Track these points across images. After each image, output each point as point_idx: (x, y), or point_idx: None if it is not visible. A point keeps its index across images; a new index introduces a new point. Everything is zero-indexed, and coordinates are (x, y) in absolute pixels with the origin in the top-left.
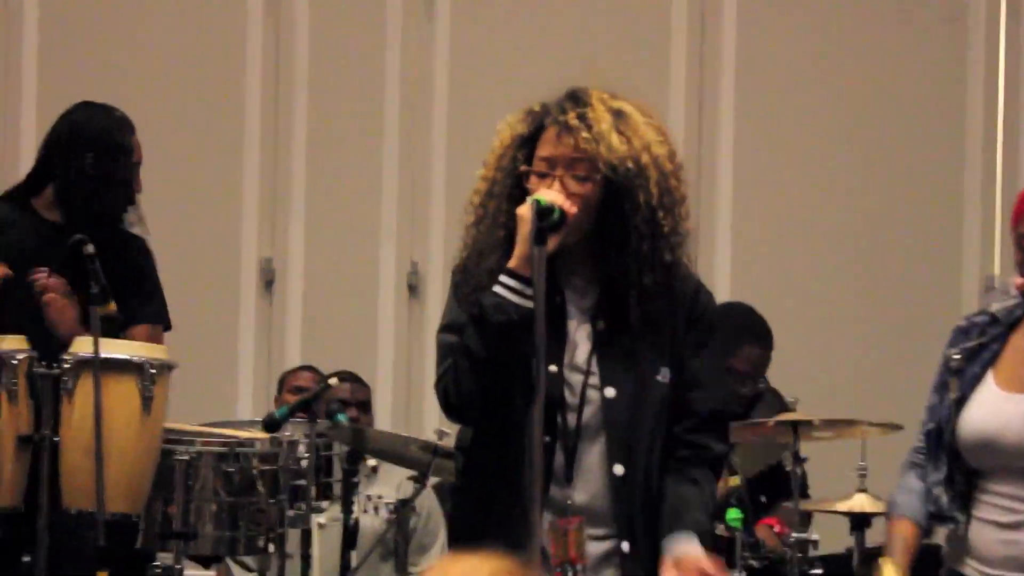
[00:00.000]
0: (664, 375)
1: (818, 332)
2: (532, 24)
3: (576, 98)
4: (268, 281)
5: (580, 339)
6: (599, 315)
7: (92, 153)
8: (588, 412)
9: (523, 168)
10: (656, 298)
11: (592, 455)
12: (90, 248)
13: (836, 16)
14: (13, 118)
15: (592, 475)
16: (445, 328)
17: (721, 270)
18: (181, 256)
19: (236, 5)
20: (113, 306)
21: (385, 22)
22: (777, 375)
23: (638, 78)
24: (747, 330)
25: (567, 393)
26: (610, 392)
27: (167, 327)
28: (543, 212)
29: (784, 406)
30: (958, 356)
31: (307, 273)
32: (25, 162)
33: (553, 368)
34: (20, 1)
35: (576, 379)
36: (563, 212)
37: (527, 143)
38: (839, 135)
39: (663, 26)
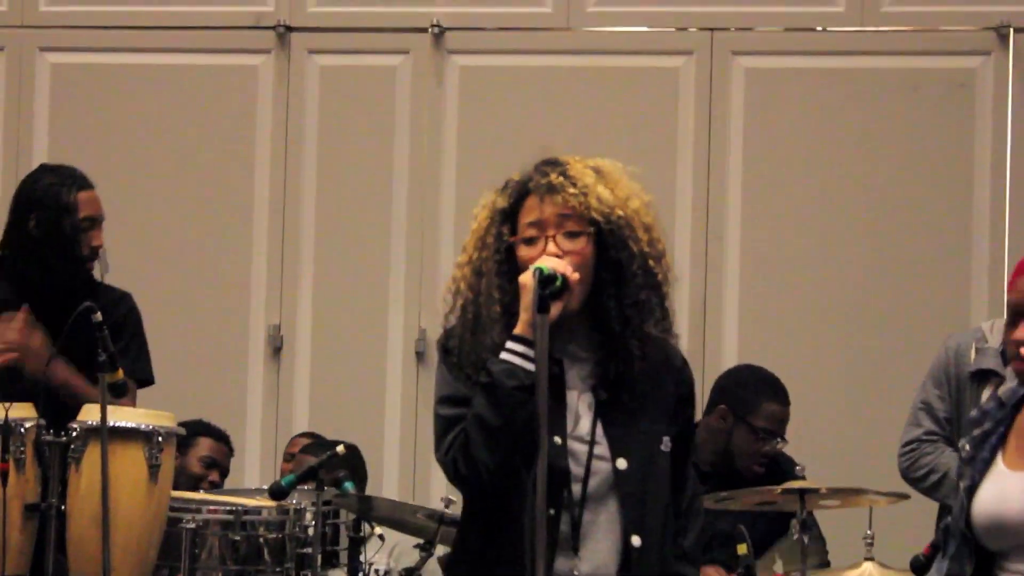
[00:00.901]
0: (666, 444)
1: (825, 400)
2: (540, 94)
3: (552, 162)
4: (276, 348)
5: (582, 409)
6: (600, 385)
7: (34, 215)
8: (594, 483)
9: (512, 239)
10: (653, 363)
11: (598, 526)
12: (98, 316)
13: (843, 82)
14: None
15: (599, 545)
16: (443, 401)
17: (728, 337)
18: (190, 322)
19: (247, 76)
20: (121, 373)
21: (394, 92)
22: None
23: (645, 146)
24: (765, 388)
25: (571, 463)
26: (622, 464)
27: (149, 382)
28: (545, 280)
29: (792, 473)
30: (967, 446)
31: (315, 340)
32: None
33: (557, 440)
34: (32, 72)
35: (580, 449)
36: (565, 279)
37: (508, 217)
38: (846, 202)
39: (671, 98)
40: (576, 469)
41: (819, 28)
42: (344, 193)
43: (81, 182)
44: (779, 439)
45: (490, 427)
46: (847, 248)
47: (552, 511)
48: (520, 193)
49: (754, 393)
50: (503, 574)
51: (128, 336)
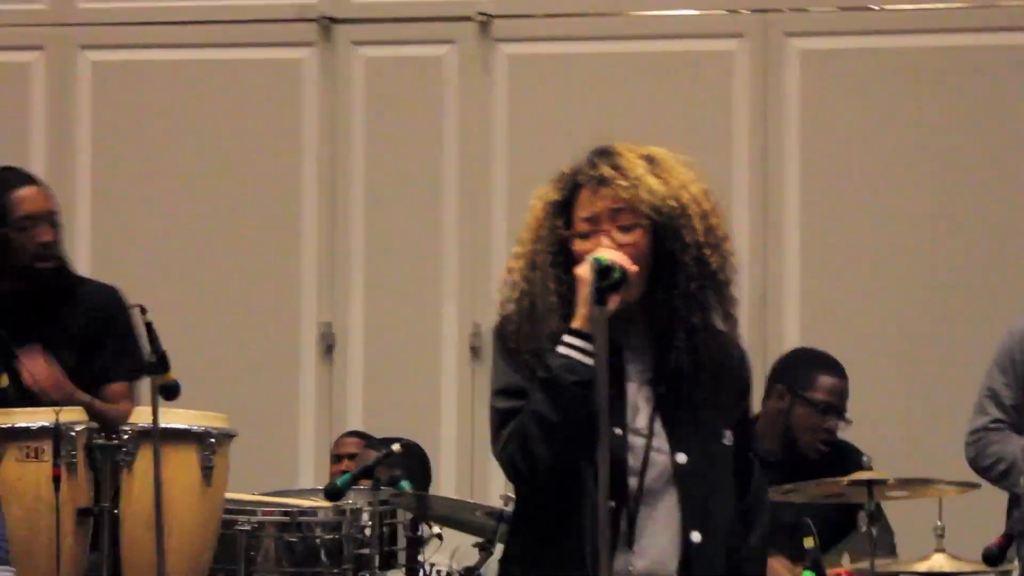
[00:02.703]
0: (728, 438)
1: (891, 389)
2: (590, 82)
3: (604, 152)
4: (328, 346)
5: (640, 402)
6: (660, 378)
7: None
8: (651, 476)
9: (566, 233)
10: (712, 355)
11: (655, 521)
12: (148, 316)
13: (901, 62)
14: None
15: (656, 541)
16: (499, 393)
17: (790, 326)
18: (240, 322)
19: (291, 69)
20: (172, 375)
21: (441, 83)
22: (851, 432)
23: (699, 133)
24: (818, 362)
25: (629, 456)
26: (681, 458)
27: (142, 371)
28: (603, 271)
29: (859, 464)
30: None
31: (367, 337)
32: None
33: (618, 431)
34: (73, 70)
35: (638, 442)
36: (624, 271)
37: (563, 210)
38: (907, 186)
39: (725, 83)
40: (633, 462)
41: (875, 7)
42: (393, 187)
43: (16, 180)
44: (841, 417)
45: (548, 422)
46: (909, 233)
47: (613, 504)
48: (572, 185)
49: (808, 368)
50: (563, 572)
51: (119, 334)
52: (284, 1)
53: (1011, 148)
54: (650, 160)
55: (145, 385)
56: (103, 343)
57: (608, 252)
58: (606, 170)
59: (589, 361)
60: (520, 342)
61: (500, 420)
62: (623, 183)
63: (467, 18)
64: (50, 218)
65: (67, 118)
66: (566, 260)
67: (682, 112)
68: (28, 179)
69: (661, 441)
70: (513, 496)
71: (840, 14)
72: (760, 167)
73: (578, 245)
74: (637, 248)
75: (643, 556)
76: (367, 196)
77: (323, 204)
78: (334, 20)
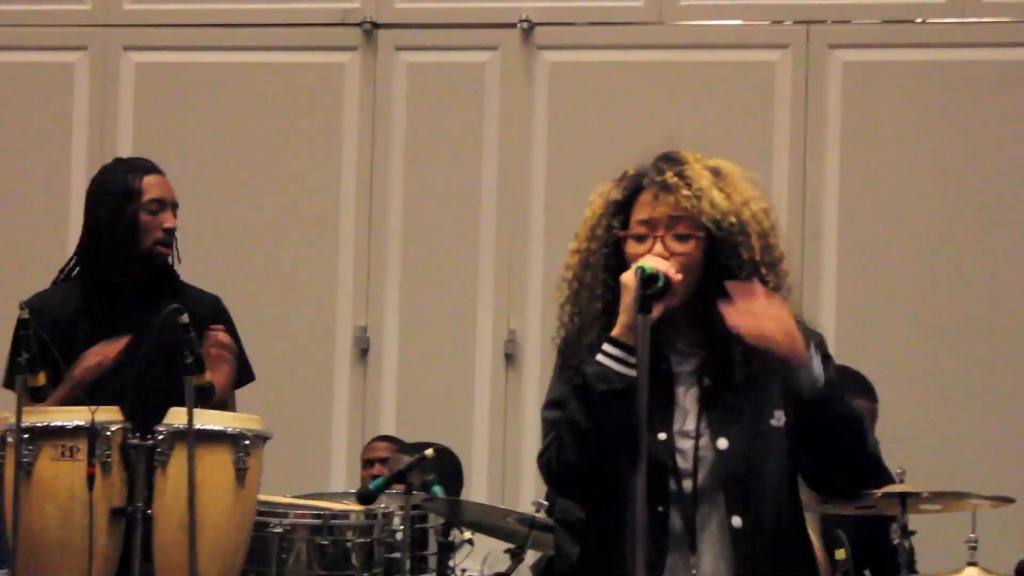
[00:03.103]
0: (779, 418)
1: (926, 401)
2: (632, 91)
3: (671, 159)
4: (363, 350)
5: (689, 404)
6: (704, 374)
7: (102, 206)
8: (703, 474)
9: (621, 233)
10: (758, 357)
11: (713, 517)
12: (184, 318)
13: (944, 75)
14: None
15: (715, 536)
16: (549, 404)
17: (827, 333)
18: (276, 325)
19: (333, 73)
20: (208, 376)
21: (483, 89)
22: (884, 445)
23: (740, 144)
24: (850, 384)
25: (679, 459)
26: (722, 443)
27: (248, 379)
28: (648, 280)
29: (890, 477)
30: None
31: (402, 342)
32: None
33: (663, 436)
34: (116, 71)
35: (687, 444)
36: (668, 280)
37: (622, 209)
38: (947, 199)
39: (767, 93)
40: (684, 464)
41: (919, 20)
42: (432, 192)
43: (148, 167)
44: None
45: (580, 430)
46: (948, 247)
47: (660, 508)
48: (635, 187)
49: None
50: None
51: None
52: (328, 5)
53: None
54: (716, 173)
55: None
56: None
57: (653, 260)
58: (671, 177)
59: (623, 370)
60: (568, 356)
61: (545, 430)
62: (686, 192)
63: (510, 25)
64: (175, 207)
65: (110, 119)
66: (618, 264)
67: (723, 122)
68: (158, 169)
69: (707, 438)
70: (544, 503)
71: (883, 26)
72: (800, 178)
73: (632, 247)
74: (690, 259)
75: (706, 555)
76: (405, 201)
77: (361, 209)
78: (377, 25)
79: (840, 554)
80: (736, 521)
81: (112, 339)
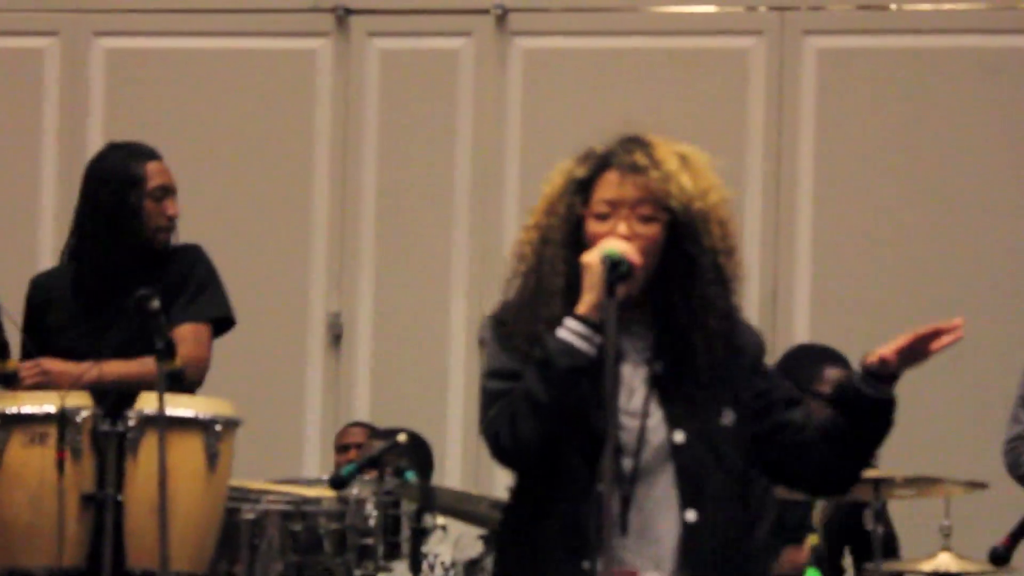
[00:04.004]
0: (727, 417)
1: (902, 386)
2: (606, 77)
3: (638, 141)
4: (336, 336)
5: (636, 383)
6: (656, 358)
7: (103, 191)
8: (646, 456)
9: (584, 211)
10: (718, 344)
11: (651, 501)
12: (155, 304)
13: (918, 62)
14: None
15: (651, 522)
16: (492, 375)
17: (800, 325)
18: (248, 310)
19: (305, 60)
20: (179, 362)
21: (456, 76)
22: None
23: (714, 130)
24: (823, 356)
25: (623, 437)
26: (679, 436)
27: (225, 321)
28: (614, 264)
29: None
30: None
31: (375, 327)
32: None
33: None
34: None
35: (632, 424)
36: (630, 265)
37: (584, 187)
38: (921, 187)
39: (741, 80)
40: (628, 442)
41: (893, 6)
42: (405, 179)
43: (149, 153)
44: None
45: (538, 403)
46: (922, 234)
47: (601, 487)
48: (600, 166)
49: (813, 363)
50: (553, 555)
51: (198, 283)
52: None
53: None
54: (683, 158)
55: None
56: (176, 297)
57: (618, 243)
58: (641, 158)
59: (586, 347)
60: (518, 323)
61: (490, 400)
62: (656, 174)
63: (484, 11)
64: (174, 194)
65: (80, 105)
66: (577, 241)
67: (697, 109)
68: (158, 154)
69: (657, 421)
70: None
71: (858, 13)
72: (774, 165)
73: (593, 226)
74: (651, 242)
75: (636, 538)
76: (379, 187)
77: (334, 194)
78: (350, 11)
79: (813, 540)
80: (690, 515)
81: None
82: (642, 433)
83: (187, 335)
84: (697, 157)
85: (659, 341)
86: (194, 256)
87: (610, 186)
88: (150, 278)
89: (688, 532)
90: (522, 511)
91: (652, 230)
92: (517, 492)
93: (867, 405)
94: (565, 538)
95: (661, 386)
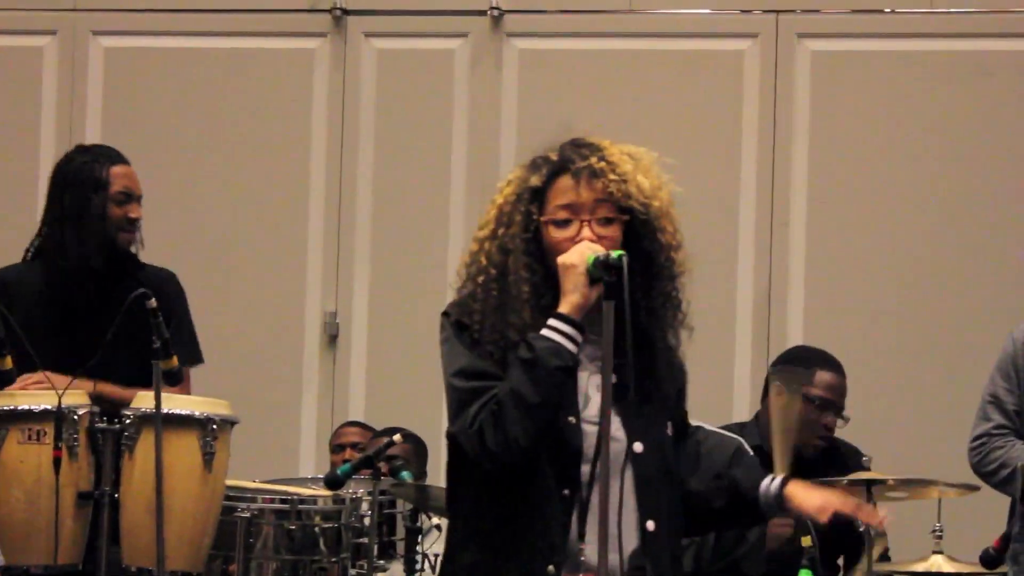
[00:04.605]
0: (670, 429)
1: (894, 390)
2: (601, 78)
3: (587, 144)
4: (332, 336)
5: (591, 390)
6: (612, 368)
7: (67, 193)
8: (600, 463)
9: (543, 219)
10: (673, 352)
11: (608, 507)
12: (152, 303)
13: (912, 65)
14: None
15: (611, 528)
16: (459, 374)
17: (793, 325)
18: (245, 310)
19: (303, 59)
20: (175, 361)
21: (452, 76)
22: (852, 433)
23: (709, 132)
24: (815, 358)
25: (582, 443)
26: (638, 447)
27: (197, 360)
28: (608, 266)
29: (859, 463)
30: None
31: (371, 328)
32: None
33: (572, 419)
34: (85, 56)
35: (590, 430)
36: (622, 254)
37: (537, 195)
38: (914, 189)
39: (736, 82)
40: (586, 450)
41: (888, 10)
42: (401, 178)
43: (115, 157)
44: (839, 414)
45: (527, 403)
46: (915, 236)
47: (567, 491)
48: (553, 172)
49: (804, 366)
50: (518, 558)
51: (177, 319)
52: None
53: (1019, 152)
54: (634, 158)
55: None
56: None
57: (593, 247)
58: (596, 162)
59: (572, 348)
60: (484, 332)
61: (461, 400)
62: (613, 177)
63: (480, 12)
64: (138, 199)
65: (78, 103)
66: (538, 249)
67: (692, 111)
68: (124, 159)
69: (615, 428)
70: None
71: (852, 16)
72: (768, 167)
73: (554, 233)
74: (613, 243)
75: (593, 543)
76: (375, 188)
77: (331, 195)
78: (347, 11)
79: (806, 541)
80: (650, 525)
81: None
82: (599, 442)
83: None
84: (645, 156)
85: (616, 350)
86: (174, 288)
87: (566, 192)
88: (120, 279)
89: (649, 540)
90: (484, 514)
91: (613, 232)
92: (475, 496)
93: (751, 514)
94: (530, 541)
95: (618, 396)
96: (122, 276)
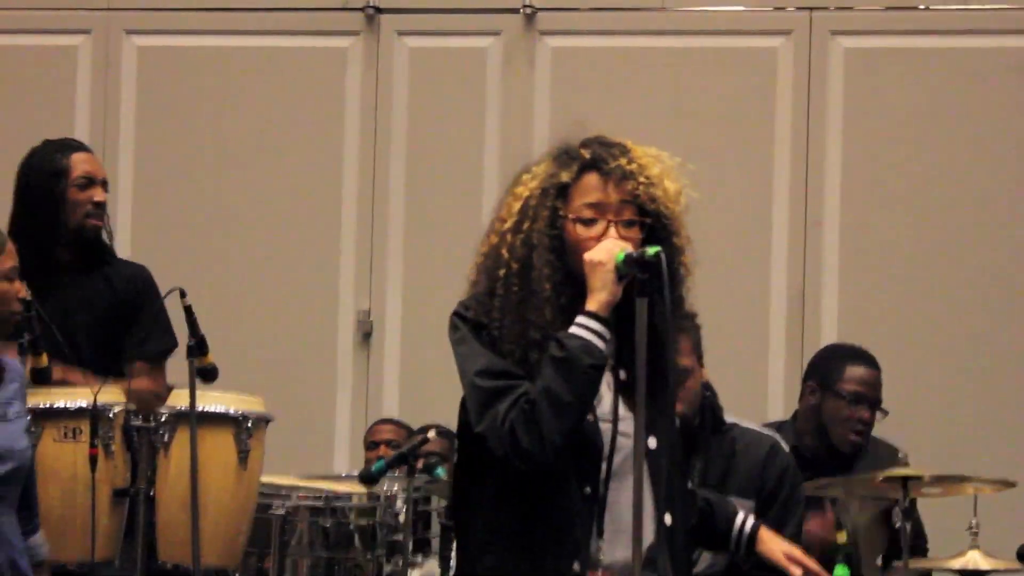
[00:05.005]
0: (677, 422)
1: (930, 385)
2: (634, 77)
3: (614, 144)
4: (366, 333)
5: (603, 388)
6: (620, 364)
7: (31, 185)
8: (617, 460)
9: (573, 216)
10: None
11: (622, 505)
12: (187, 300)
13: (947, 63)
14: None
15: (625, 525)
16: (482, 373)
17: (827, 325)
18: (279, 308)
19: (335, 58)
20: (211, 358)
21: (485, 75)
22: (888, 428)
23: (742, 130)
24: (845, 355)
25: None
26: (652, 442)
27: (172, 346)
28: (645, 262)
29: (895, 460)
30: None
31: (405, 325)
32: None
33: (590, 417)
34: (118, 55)
35: (605, 428)
36: (659, 250)
37: (563, 192)
38: (950, 187)
39: (769, 80)
40: (605, 448)
41: (921, 7)
42: (434, 176)
43: (75, 146)
44: (876, 407)
45: (562, 402)
46: (948, 232)
47: (589, 489)
48: (582, 169)
49: (837, 360)
50: (542, 558)
51: (151, 312)
52: None
53: None
54: (659, 161)
55: (184, 367)
56: (131, 323)
57: (622, 244)
58: (627, 163)
59: (603, 345)
60: (504, 331)
61: (487, 398)
62: (644, 180)
63: (513, 10)
64: (104, 183)
65: (112, 102)
66: (561, 244)
67: (725, 108)
68: (85, 147)
69: (627, 425)
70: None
71: (886, 13)
72: (802, 165)
73: (579, 231)
74: (635, 245)
75: (612, 541)
76: (407, 186)
77: (364, 193)
78: (379, 9)
79: (841, 537)
80: (667, 519)
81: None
82: (614, 438)
83: (143, 371)
84: (664, 158)
85: (621, 347)
86: (147, 282)
87: (593, 190)
88: (91, 270)
89: (666, 535)
90: (506, 515)
91: (635, 234)
92: (495, 497)
93: (719, 543)
94: (556, 541)
95: (625, 392)
96: (90, 269)
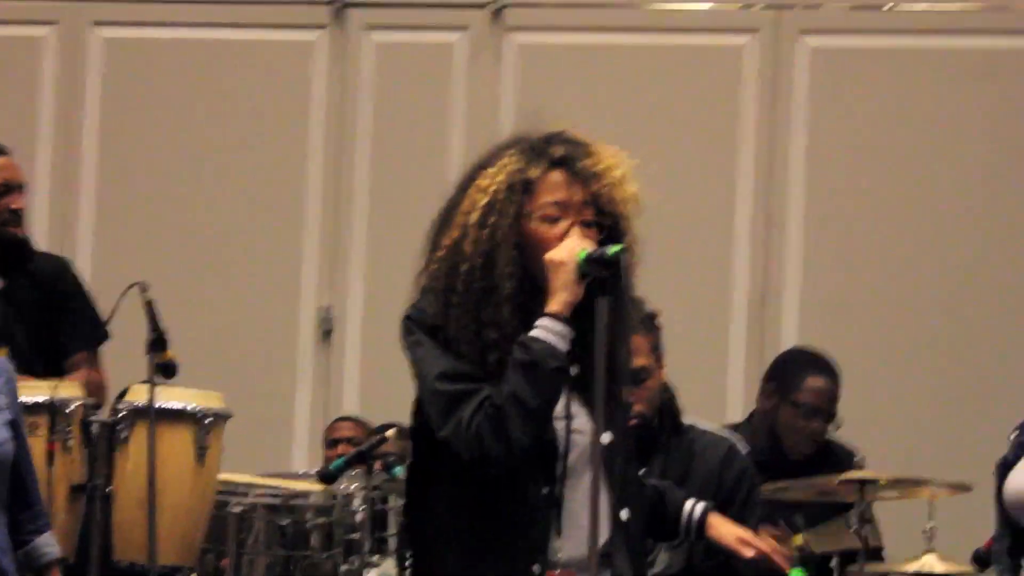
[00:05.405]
0: (627, 412)
1: (888, 388)
2: (601, 73)
3: (579, 143)
4: (327, 331)
5: None
6: (573, 360)
7: None
8: (572, 457)
9: (534, 213)
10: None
11: (577, 503)
12: (149, 295)
13: (914, 63)
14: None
15: (581, 522)
16: (441, 377)
17: (788, 326)
18: (239, 303)
19: (302, 51)
20: (171, 354)
21: (451, 70)
22: (844, 432)
23: (707, 127)
24: (806, 364)
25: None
26: (606, 438)
27: (104, 337)
28: (606, 261)
29: (851, 462)
30: (1017, 432)
31: (366, 322)
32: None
33: None
34: (84, 46)
35: (559, 425)
36: (623, 248)
37: (528, 188)
38: (914, 188)
39: (735, 78)
40: (559, 446)
41: (888, 6)
42: (398, 172)
43: None
44: (829, 420)
45: (528, 407)
46: (912, 235)
47: (547, 489)
48: (547, 166)
49: (797, 368)
50: (501, 559)
51: (77, 305)
52: None
53: (1020, 151)
54: (621, 163)
55: (144, 363)
56: (59, 318)
57: (581, 243)
58: (593, 163)
59: (565, 347)
60: (460, 331)
61: (448, 403)
62: (607, 181)
63: (480, 6)
64: (22, 188)
65: (77, 94)
66: (520, 240)
67: (691, 106)
68: (4, 149)
69: (581, 422)
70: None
71: (853, 12)
72: (766, 164)
73: (542, 229)
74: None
75: (569, 539)
76: (372, 181)
77: (327, 188)
78: (347, 4)
79: (797, 540)
80: (624, 514)
81: None
82: (568, 435)
83: (82, 362)
84: (625, 160)
85: (576, 343)
86: (68, 272)
87: (557, 188)
88: (12, 270)
89: (623, 530)
90: (462, 516)
91: (593, 235)
92: (451, 497)
93: (668, 531)
94: (514, 541)
95: (581, 389)
96: (8, 269)
